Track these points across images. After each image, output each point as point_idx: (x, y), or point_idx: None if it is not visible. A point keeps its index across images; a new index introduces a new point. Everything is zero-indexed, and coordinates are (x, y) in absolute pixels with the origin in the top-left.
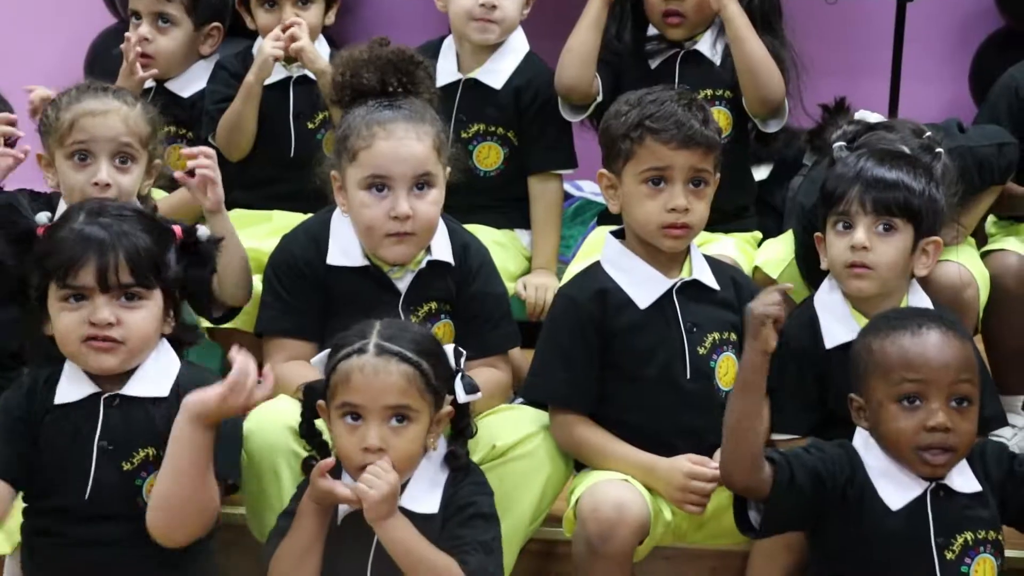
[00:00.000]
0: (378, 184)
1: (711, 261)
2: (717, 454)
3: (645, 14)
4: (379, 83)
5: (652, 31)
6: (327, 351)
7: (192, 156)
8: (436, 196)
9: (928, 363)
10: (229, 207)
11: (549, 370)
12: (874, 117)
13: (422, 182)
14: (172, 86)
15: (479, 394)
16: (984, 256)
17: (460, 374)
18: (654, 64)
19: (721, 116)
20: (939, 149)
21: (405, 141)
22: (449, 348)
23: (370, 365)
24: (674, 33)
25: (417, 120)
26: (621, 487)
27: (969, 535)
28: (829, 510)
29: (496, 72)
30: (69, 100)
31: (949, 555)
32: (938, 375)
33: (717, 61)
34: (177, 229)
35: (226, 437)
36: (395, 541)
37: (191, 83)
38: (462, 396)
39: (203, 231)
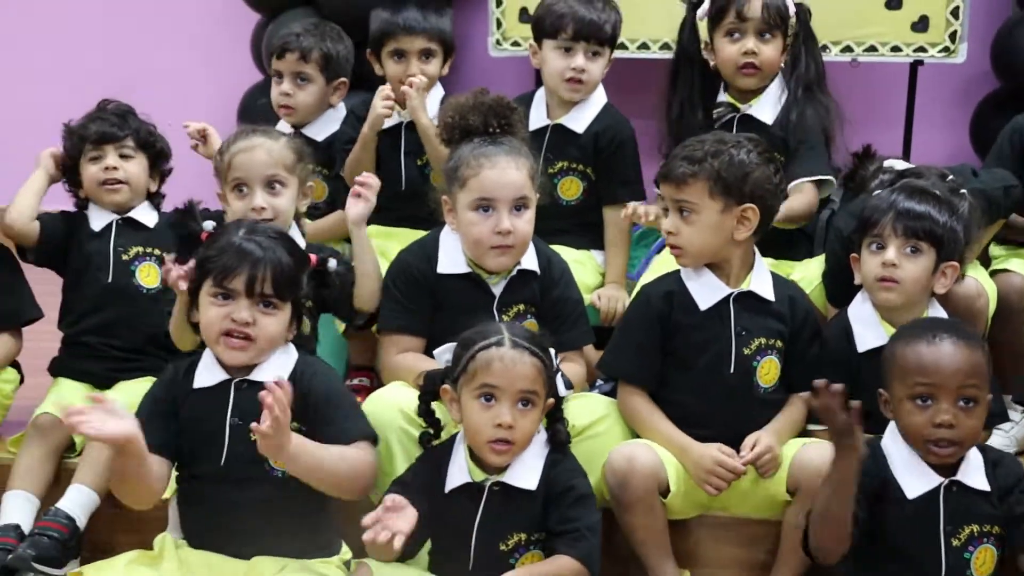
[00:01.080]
0: (484, 205)
1: (775, 277)
2: (746, 444)
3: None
4: (482, 124)
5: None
6: (451, 344)
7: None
8: (530, 216)
9: (939, 369)
10: None
11: (622, 350)
12: (900, 164)
13: (520, 204)
14: (308, 131)
15: (573, 390)
16: (992, 275)
17: (559, 372)
18: (717, 125)
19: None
20: (963, 191)
21: (507, 170)
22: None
23: (508, 355)
24: (747, 83)
25: (515, 153)
26: (633, 445)
27: (975, 527)
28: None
29: (579, 120)
30: (228, 144)
31: (955, 542)
32: (947, 379)
33: (771, 121)
34: (313, 257)
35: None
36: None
37: (324, 128)
38: (562, 390)
39: (332, 263)
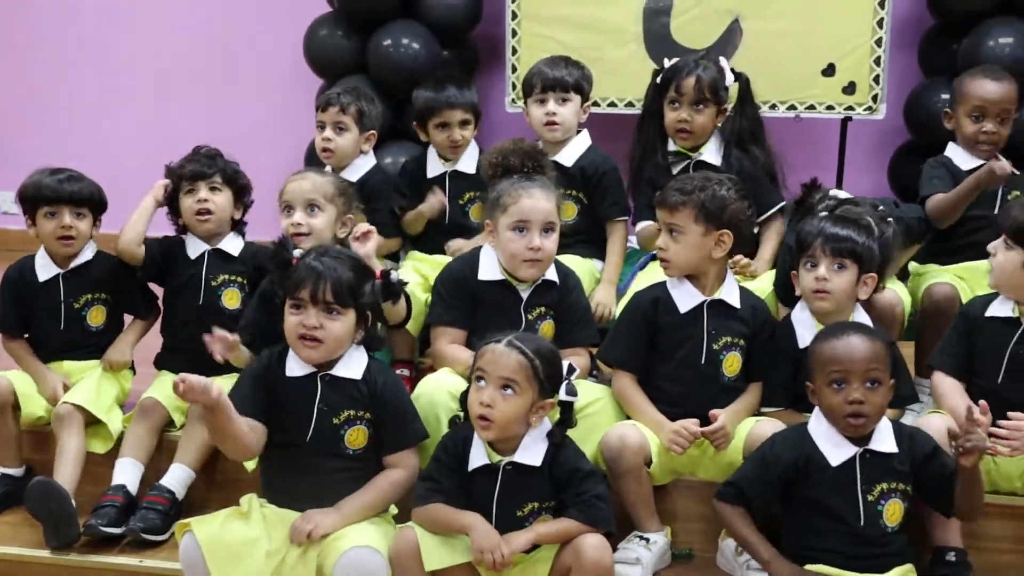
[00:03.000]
0: (520, 227)
1: (742, 290)
2: (717, 414)
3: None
4: (520, 165)
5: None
6: None
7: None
8: (556, 238)
9: (848, 358)
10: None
11: (617, 342)
12: (842, 194)
13: (548, 227)
14: (345, 173)
15: (577, 398)
16: (929, 286)
17: (567, 381)
18: (676, 171)
19: None
20: (890, 218)
21: (540, 200)
22: (566, 363)
23: (499, 349)
24: (683, 144)
25: (547, 188)
26: (624, 426)
27: (885, 485)
28: (789, 478)
29: (568, 156)
30: (288, 178)
31: (870, 498)
32: (855, 366)
33: (719, 163)
34: (378, 271)
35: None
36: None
37: (357, 171)
38: (562, 395)
39: (395, 275)
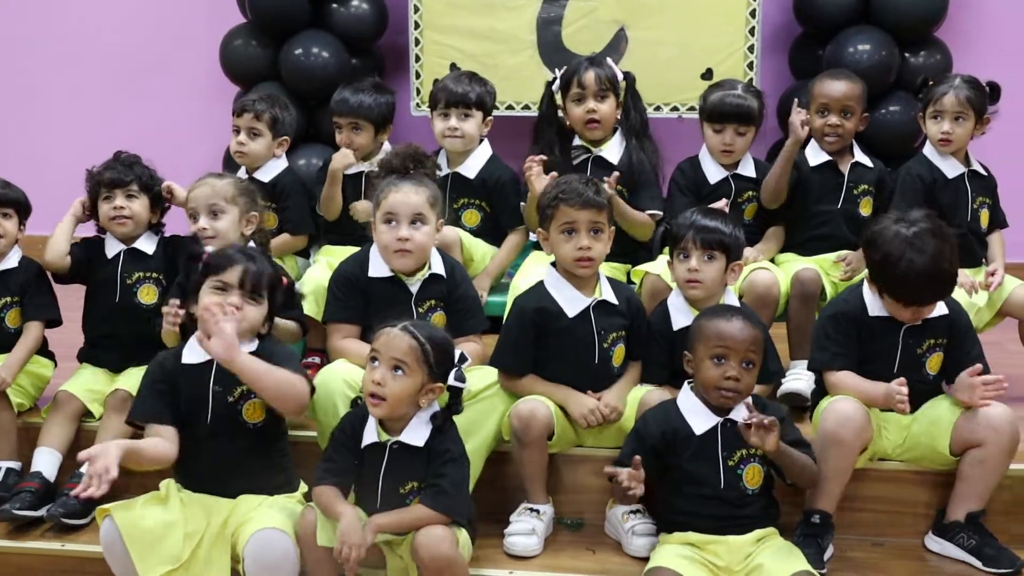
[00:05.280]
0: (389, 219)
1: (613, 283)
2: (602, 395)
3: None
4: (401, 166)
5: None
6: None
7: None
8: (427, 231)
9: (732, 338)
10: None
11: (505, 350)
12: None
13: (416, 219)
14: (257, 175)
15: (466, 384)
16: (796, 272)
17: (457, 368)
18: (576, 163)
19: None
20: None
21: (408, 193)
22: (458, 350)
23: (393, 332)
24: (593, 135)
25: (416, 182)
26: (533, 400)
27: (744, 451)
28: (659, 449)
29: (470, 168)
30: (192, 184)
31: (731, 463)
32: (736, 345)
33: (616, 161)
34: (284, 280)
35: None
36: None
37: (269, 173)
38: (451, 380)
39: (297, 285)
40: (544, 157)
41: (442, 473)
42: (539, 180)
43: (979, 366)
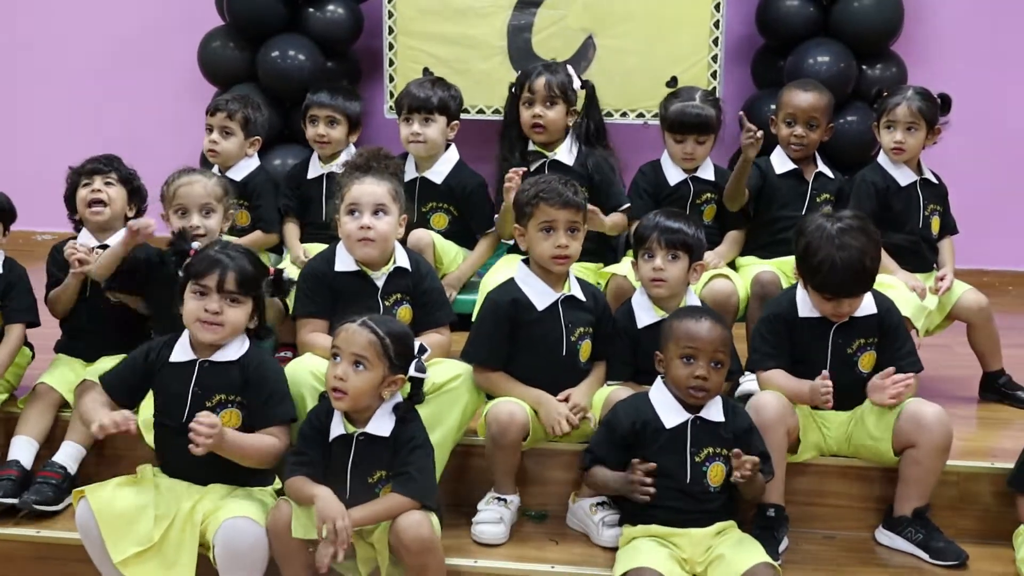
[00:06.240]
0: (352, 209)
1: (581, 282)
2: (561, 395)
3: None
4: (365, 164)
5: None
6: None
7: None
8: (390, 220)
9: (701, 338)
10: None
11: (478, 343)
12: None
13: (379, 209)
14: (230, 173)
15: (426, 375)
16: (756, 274)
17: (417, 360)
18: (532, 168)
19: None
20: None
21: (370, 185)
22: (418, 342)
23: (352, 327)
24: (538, 139)
25: (377, 176)
26: (512, 404)
27: (711, 449)
28: (629, 440)
29: (438, 173)
30: (173, 178)
31: (697, 459)
32: (705, 346)
33: (571, 164)
34: (271, 269)
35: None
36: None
37: (241, 171)
38: (411, 371)
39: (286, 273)
40: (524, 169)
41: (409, 461)
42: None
43: (891, 369)
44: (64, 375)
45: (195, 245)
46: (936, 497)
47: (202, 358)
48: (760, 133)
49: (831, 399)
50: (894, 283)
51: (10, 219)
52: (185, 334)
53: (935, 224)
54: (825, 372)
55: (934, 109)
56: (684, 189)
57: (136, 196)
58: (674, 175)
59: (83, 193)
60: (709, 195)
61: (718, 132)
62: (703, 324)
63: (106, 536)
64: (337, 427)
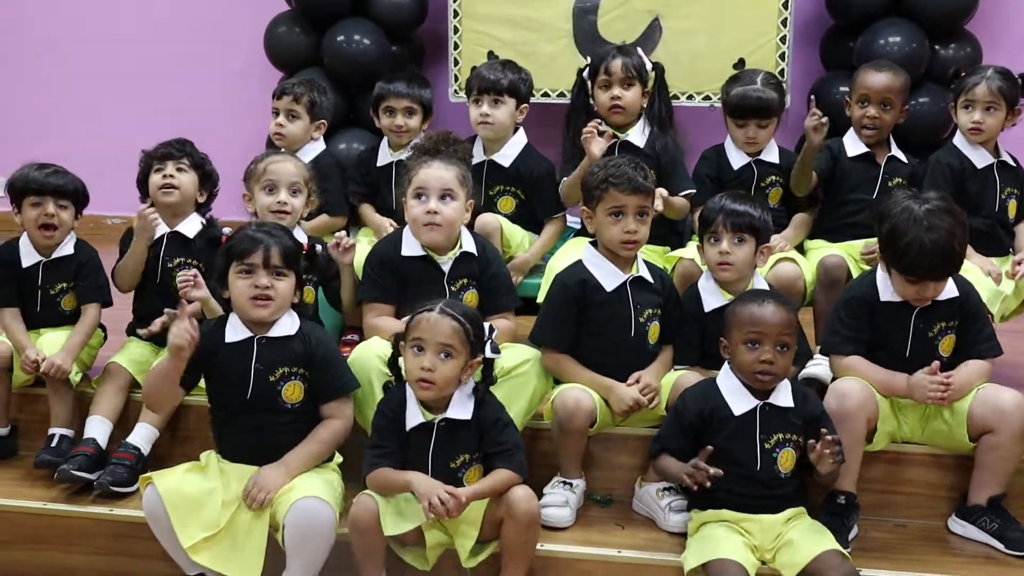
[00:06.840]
0: (419, 193)
1: (648, 264)
2: (632, 378)
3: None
4: (433, 148)
5: None
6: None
7: None
8: (456, 206)
9: (765, 322)
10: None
11: (546, 324)
12: None
13: (446, 194)
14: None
15: (500, 355)
16: (822, 259)
17: (490, 340)
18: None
19: None
20: None
21: (437, 169)
22: (487, 325)
23: (433, 318)
24: (616, 120)
25: (445, 160)
26: (579, 391)
27: (780, 435)
28: (698, 427)
29: (505, 157)
30: (262, 157)
31: (767, 446)
32: (769, 330)
33: (642, 146)
34: (305, 244)
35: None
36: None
37: (307, 155)
38: (488, 353)
39: (318, 247)
40: (601, 122)
41: (504, 439)
42: (596, 144)
43: (936, 363)
44: (134, 356)
45: (226, 231)
46: (1013, 486)
47: (259, 334)
48: (825, 119)
49: (943, 394)
50: (969, 267)
51: (84, 203)
52: (232, 316)
53: (1012, 207)
54: (936, 364)
55: (1014, 89)
56: (748, 173)
57: (207, 181)
58: (737, 159)
59: (155, 178)
60: (774, 178)
61: (781, 115)
62: (767, 308)
63: (175, 522)
64: (414, 416)
